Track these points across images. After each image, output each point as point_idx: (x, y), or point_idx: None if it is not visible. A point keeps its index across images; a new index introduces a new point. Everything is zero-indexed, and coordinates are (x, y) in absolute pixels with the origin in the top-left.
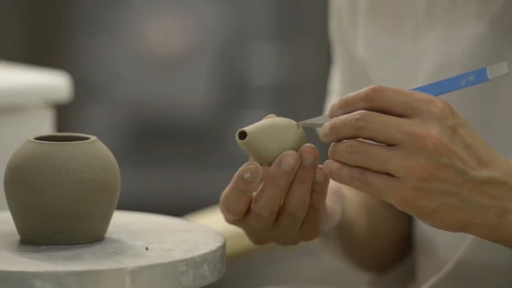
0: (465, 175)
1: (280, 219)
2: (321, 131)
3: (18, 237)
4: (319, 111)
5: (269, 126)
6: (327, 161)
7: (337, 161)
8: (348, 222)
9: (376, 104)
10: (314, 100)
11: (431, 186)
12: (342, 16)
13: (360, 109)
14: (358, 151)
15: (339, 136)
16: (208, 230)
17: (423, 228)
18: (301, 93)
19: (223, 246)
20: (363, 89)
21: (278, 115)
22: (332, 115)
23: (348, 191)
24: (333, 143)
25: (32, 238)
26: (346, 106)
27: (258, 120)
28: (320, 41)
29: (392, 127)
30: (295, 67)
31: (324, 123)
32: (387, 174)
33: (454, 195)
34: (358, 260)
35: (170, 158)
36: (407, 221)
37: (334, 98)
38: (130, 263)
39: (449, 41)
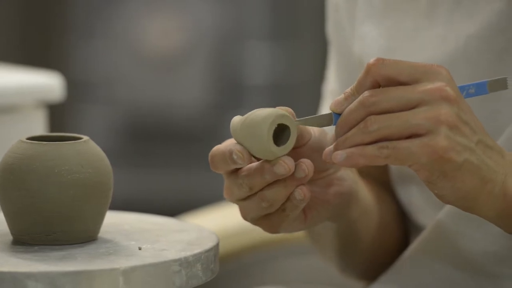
0: (477, 134)
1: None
2: (332, 138)
3: (10, 237)
4: (314, 110)
5: (247, 125)
6: (336, 152)
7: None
8: (367, 210)
9: (382, 73)
10: (309, 99)
11: (457, 138)
12: (340, 14)
13: (367, 87)
14: (377, 121)
15: (350, 124)
16: (202, 230)
17: (406, 194)
18: (297, 93)
19: (217, 246)
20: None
21: None
22: (337, 110)
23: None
24: (343, 136)
25: (25, 239)
26: (352, 93)
27: None
28: (315, 41)
29: (407, 91)
30: (291, 66)
31: (324, 121)
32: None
33: (473, 152)
34: (355, 261)
35: (164, 158)
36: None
37: (329, 98)
38: (123, 263)
39: (449, 39)
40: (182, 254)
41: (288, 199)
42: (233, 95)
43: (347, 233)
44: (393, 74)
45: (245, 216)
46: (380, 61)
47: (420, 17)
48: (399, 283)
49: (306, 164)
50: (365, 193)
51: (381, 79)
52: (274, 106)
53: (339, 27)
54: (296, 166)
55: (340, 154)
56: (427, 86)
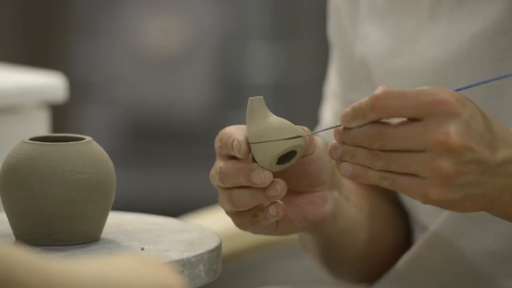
0: (485, 163)
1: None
2: (336, 133)
3: (13, 238)
4: (314, 111)
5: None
6: (344, 163)
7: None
8: (350, 227)
9: (386, 113)
10: (309, 99)
11: (456, 182)
12: (342, 15)
13: (372, 119)
14: (382, 159)
15: (357, 145)
16: (204, 231)
17: (406, 198)
18: (297, 93)
19: (219, 247)
20: (368, 98)
21: (276, 115)
22: (346, 124)
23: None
24: (351, 148)
25: (28, 239)
26: (357, 117)
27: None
28: (316, 41)
29: (409, 139)
30: (292, 67)
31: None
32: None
33: (476, 185)
34: (343, 271)
35: (165, 158)
36: (405, 228)
37: (331, 99)
38: None
39: (452, 39)
40: (185, 255)
41: (261, 208)
42: (233, 95)
43: (328, 246)
44: (397, 112)
45: (221, 205)
46: (383, 99)
47: (423, 17)
48: (401, 285)
49: (281, 186)
50: (350, 212)
51: (385, 116)
52: (274, 106)
53: (340, 29)
54: (270, 183)
55: (346, 169)
56: (432, 135)
